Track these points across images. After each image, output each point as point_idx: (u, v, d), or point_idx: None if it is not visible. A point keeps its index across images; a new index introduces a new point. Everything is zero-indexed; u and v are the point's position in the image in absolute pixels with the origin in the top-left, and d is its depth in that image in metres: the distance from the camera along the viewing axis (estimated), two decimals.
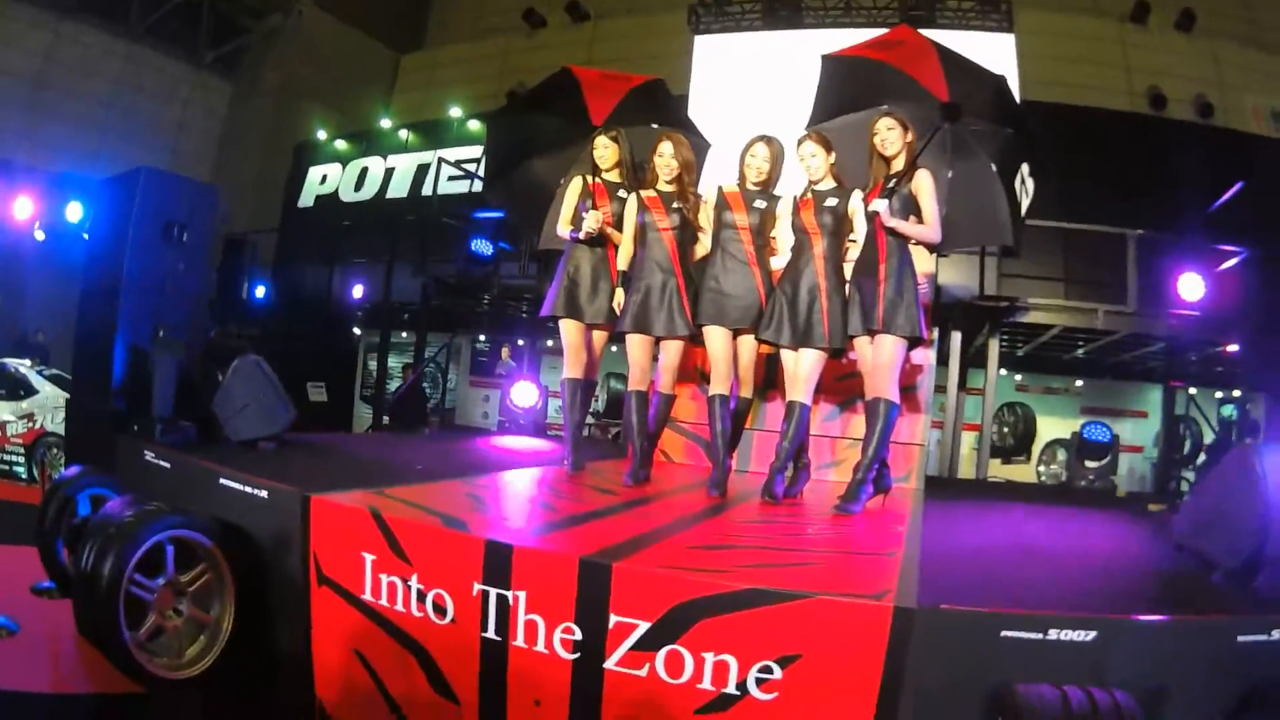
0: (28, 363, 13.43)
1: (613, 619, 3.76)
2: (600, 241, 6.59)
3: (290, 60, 23.18)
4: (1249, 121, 18.41)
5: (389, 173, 22.21)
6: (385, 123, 23.69)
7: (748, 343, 6.27)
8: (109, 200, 8.41)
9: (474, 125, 20.90)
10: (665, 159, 6.32)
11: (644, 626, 3.71)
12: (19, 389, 12.82)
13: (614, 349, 7.48)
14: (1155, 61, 18.87)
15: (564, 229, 6.65)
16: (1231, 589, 4.40)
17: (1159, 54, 18.94)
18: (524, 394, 11.87)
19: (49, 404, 12.48)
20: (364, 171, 22.63)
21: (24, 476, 12.37)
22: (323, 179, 23.25)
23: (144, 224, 7.73)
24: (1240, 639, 3.65)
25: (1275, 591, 4.11)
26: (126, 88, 20.80)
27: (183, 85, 22.17)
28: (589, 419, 16.34)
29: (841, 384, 7.42)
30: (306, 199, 23.39)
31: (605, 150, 6.58)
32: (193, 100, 22.44)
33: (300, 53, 23.17)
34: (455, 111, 22.12)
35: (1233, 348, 13.28)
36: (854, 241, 6.00)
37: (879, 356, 5.74)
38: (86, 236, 9.80)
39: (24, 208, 14.43)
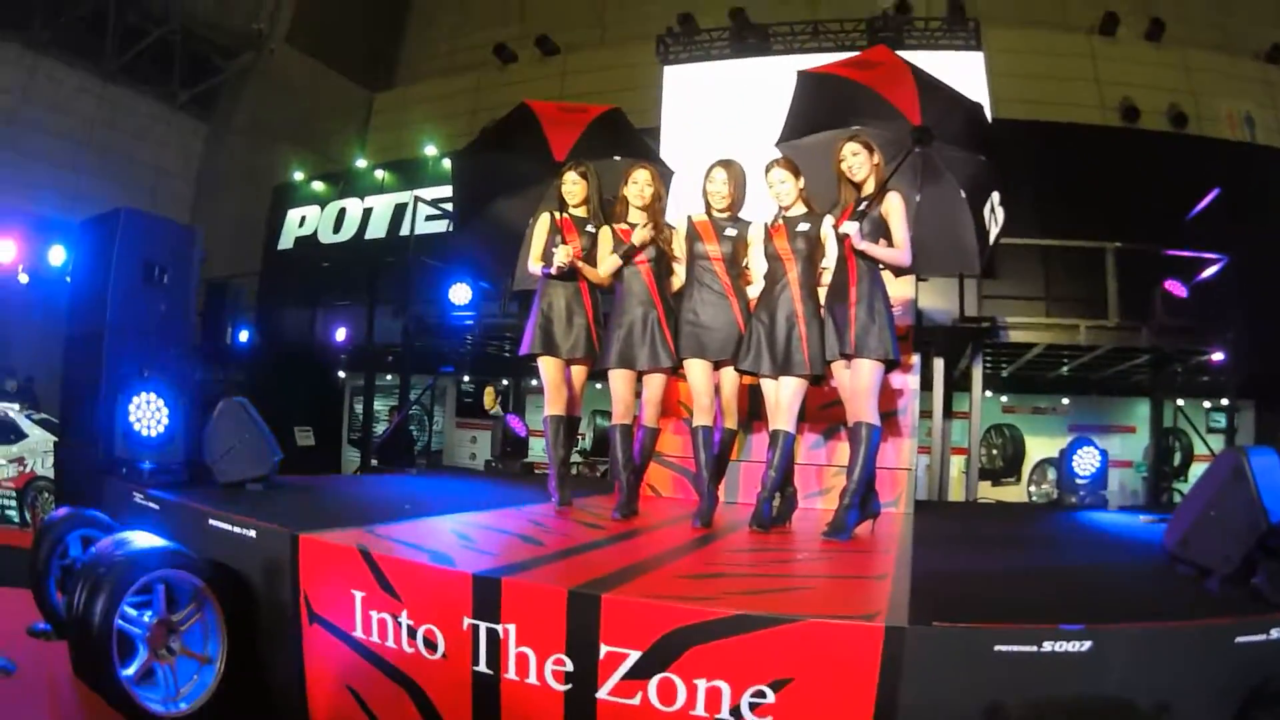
0: (15, 407, 13.43)
1: (603, 649, 3.75)
2: (572, 276, 6.56)
3: (263, 99, 23.08)
4: (1223, 128, 18.44)
5: (367, 213, 22.14)
6: (361, 163, 23.66)
7: (729, 374, 6.23)
8: (90, 241, 8.38)
9: (448, 164, 20.52)
10: (639, 188, 6.31)
11: (635, 655, 3.69)
12: (8, 433, 12.90)
13: (598, 386, 7.47)
14: (1126, 73, 18.98)
15: (535, 265, 6.63)
16: (1226, 593, 4.37)
17: (1129, 65, 19.05)
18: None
19: (39, 448, 12.54)
20: (342, 213, 22.55)
21: (16, 520, 12.43)
22: (301, 221, 23.17)
23: (125, 265, 7.72)
24: (1239, 640, 3.64)
25: (1271, 592, 4.07)
26: (103, 128, 20.54)
27: (158, 125, 21.94)
28: (576, 457, 16.50)
29: (825, 412, 7.39)
30: (286, 241, 23.32)
31: (574, 186, 6.59)
32: (169, 141, 22.24)
33: (273, 92, 23.09)
34: (430, 149, 22.10)
35: (1218, 356, 13.27)
36: (827, 267, 5.98)
37: (856, 381, 5.74)
38: (69, 280, 9.77)
39: (7, 250, 14.27)
